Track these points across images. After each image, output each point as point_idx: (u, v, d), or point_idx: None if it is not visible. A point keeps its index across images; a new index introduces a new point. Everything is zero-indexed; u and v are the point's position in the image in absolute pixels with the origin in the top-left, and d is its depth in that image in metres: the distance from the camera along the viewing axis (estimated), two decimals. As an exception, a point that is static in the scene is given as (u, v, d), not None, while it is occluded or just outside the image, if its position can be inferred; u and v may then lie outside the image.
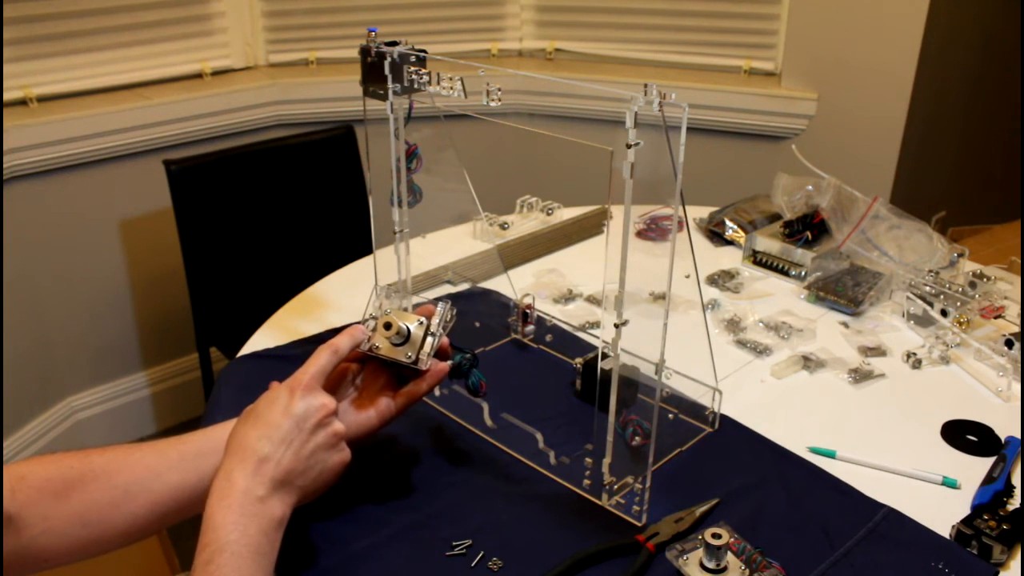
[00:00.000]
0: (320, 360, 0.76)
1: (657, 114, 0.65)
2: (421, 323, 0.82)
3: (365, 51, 0.88)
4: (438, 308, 0.84)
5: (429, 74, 0.85)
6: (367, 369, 0.85)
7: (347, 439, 0.77)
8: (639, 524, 0.81)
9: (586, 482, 0.86)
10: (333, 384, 0.81)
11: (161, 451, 0.76)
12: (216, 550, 0.64)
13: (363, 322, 0.82)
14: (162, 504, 0.74)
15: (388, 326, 0.79)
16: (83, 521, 0.72)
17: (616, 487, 0.83)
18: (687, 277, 0.95)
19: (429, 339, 0.82)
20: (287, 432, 0.70)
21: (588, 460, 0.85)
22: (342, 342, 0.78)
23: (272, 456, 0.69)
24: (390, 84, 0.87)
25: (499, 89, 0.78)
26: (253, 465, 0.68)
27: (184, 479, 0.75)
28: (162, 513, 0.74)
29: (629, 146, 0.67)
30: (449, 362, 0.85)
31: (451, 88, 0.82)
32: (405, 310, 0.85)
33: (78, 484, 0.72)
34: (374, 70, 0.88)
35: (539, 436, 0.90)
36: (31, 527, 0.69)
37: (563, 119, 2.37)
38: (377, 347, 0.81)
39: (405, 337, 0.81)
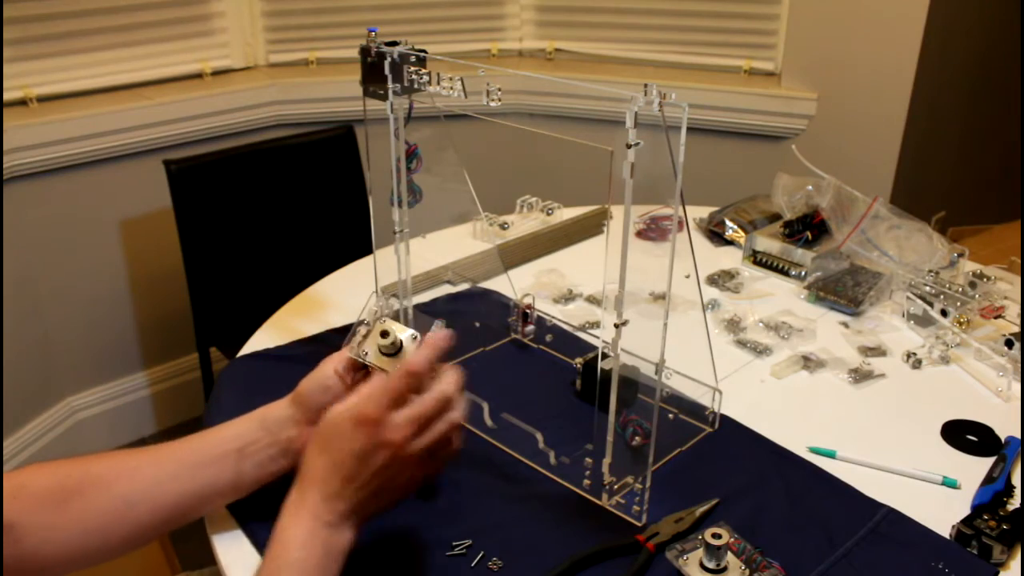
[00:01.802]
0: (396, 385, 0.69)
1: (657, 114, 0.65)
2: (415, 337, 0.79)
3: (365, 51, 0.88)
4: (432, 327, 0.82)
5: (429, 74, 0.85)
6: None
7: None
8: (639, 524, 0.81)
9: (586, 482, 0.86)
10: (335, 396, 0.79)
11: (159, 461, 0.76)
12: (283, 564, 0.65)
13: (358, 324, 0.82)
14: (162, 512, 0.74)
15: (385, 334, 0.77)
16: (84, 529, 0.72)
17: (616, 487, 0.83)
18: (687, 277, 0.95)
19: None
20: (352, 469, 0.68)
21: (588, 460, 0.85)
22: (418, 366, 0.71)
23: (341, 493, 0.68)
24: (390, 84, 0.88)
25: (499, 89, 0.78)
26: (323, 495, 0.68)
27: (183, 488, 0.75)
28: (162, 520, 0.74)
29: (629, 146, 0.67)
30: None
31: (451, 88, 0.82)
32: (398, 319, 0.83)
33: (78, 493, 0.72)
34: (374, 70, 0.88)
35: (539, 436, 0.90)
36: (31, 536, 0.69)
37: (563, 119, 2.37)
38: (365, 353, 0.79)
39: (398, 348, 0.79)
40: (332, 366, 0.79)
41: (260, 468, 0.78)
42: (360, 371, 0.81)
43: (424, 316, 0.84)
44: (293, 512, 0.67)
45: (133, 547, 0.74)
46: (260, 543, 0.79)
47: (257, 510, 0.82)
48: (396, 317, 0.85)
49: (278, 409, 0.80)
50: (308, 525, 0.67)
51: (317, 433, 0.70)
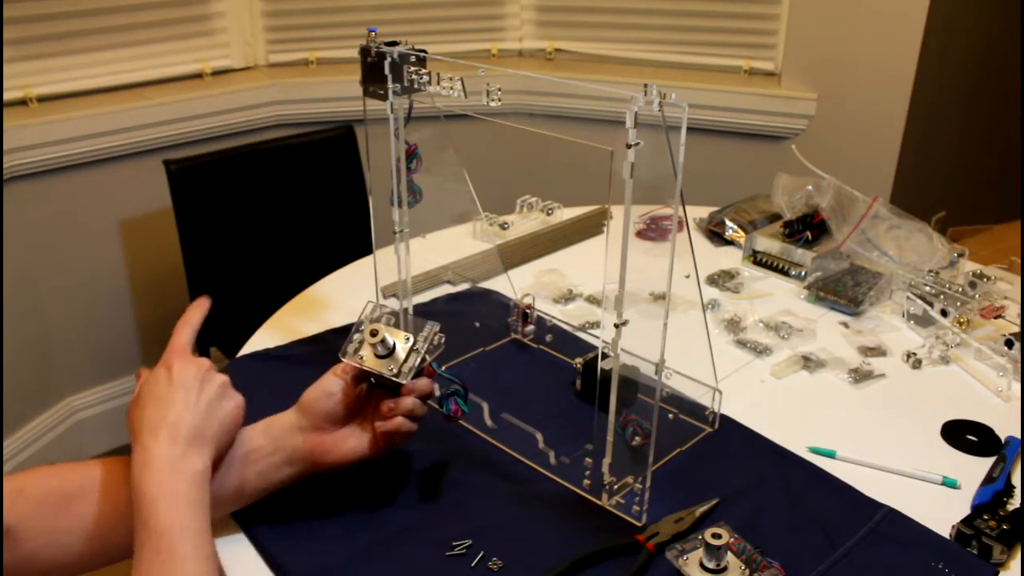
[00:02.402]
0: (182, 335, 0.79)
1: (657, 114, 0.65)
2: (408, 339, 0.81)
3: (365, 51, 0.88)
4: (425, 327, 0.83)
5: (429, 74, 0.85)
6: (374, 395, 0.84)
7: (343, 461, 0.80)
8: (639, 524, 0.81)
9: (586, 482, 0.86)
10: (347, 410, 0.81)
11: None
12: (151, 499, 0.66)
13: (354, 331, 0.82)
14: None
15: (374, 333, 0.79)
16: (86, 534, 0.72)
17: (616, 487, 0.83)
18: (687, 277, 0.95)
19: (412, 355, 0.81)
20: (180, 397, 0.73)
21: (588, 460, 0.85)
22: (194, 315, 0.82)
23: (177, 420, 0.71)
24: (390, 84, 0.87)
25: (499, 89, 0.78)
26: (164, 433, 0.70)
27: None
28: None
29: (629, 146, 0.67)
30: (431, 383, 0.83)
31: (451, 88, 0.82)
32: (396, 325, 0.84)
33: (79, 497, 0.72)
34: (374, 70, 0.88)
35: (539, 436, 0.90)
36: (32, 540, 0.69)
37: (563, 119, 2.37)
38: (361, 358, 0.80)
39: (390, 350, 0.80)
40: (334, 374, 0.81)
41: (263, 477, 0.79)
42: (364, 380, 0.82)
43: (420, 319, 0.84)
44: (143, 467, 0.68)
45: (127, 553, 0.73)
46: (261, 545, 0.79)
47: (257, 510, 0.82)
48: (396, 323, 0.85)
49: (283, 418, 0.80)
50: (162, 468, 0.68)
51: (134, 400, 0.74)
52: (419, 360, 0.80)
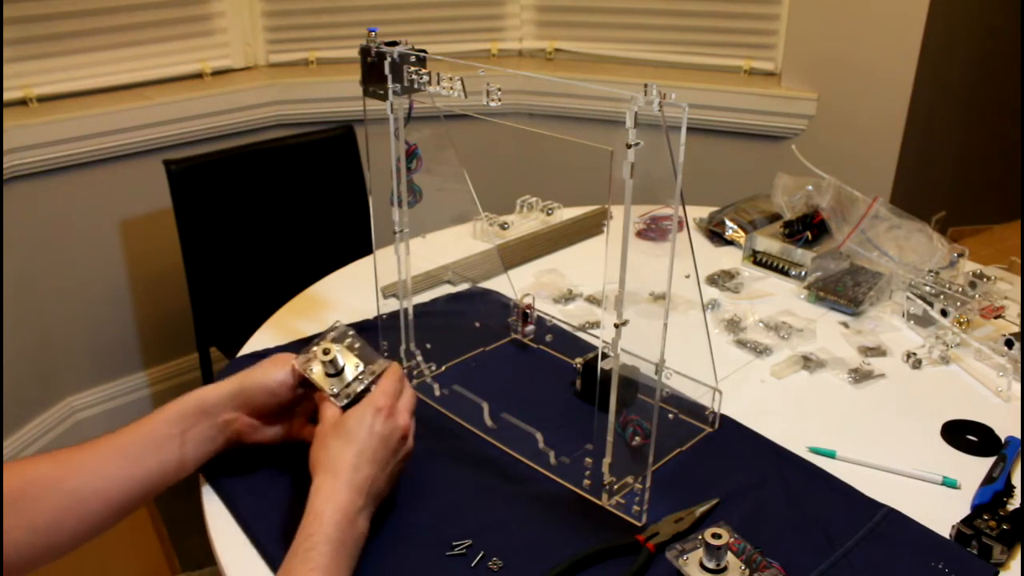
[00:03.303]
0: (396, 385, 0.83)
1: (657, 114, 0.65)
2: (359, 367, 0.85)
3: (365, 51, 0.88)
4: (377, 362, 0.86)
5: (429, 74, 0.85)
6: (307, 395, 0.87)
7: (263, 442, 0.86)
8: (639, 524, 0.81)
9: (586, 482, 0.86)
10: (281, 408, 0.87)
11: (103, 454, 0.77)
12: (322, 539, 0.69)
13: (315, 343, 0.86)
14: (111, 503, 0.76)
15: (327, 351, 0.83)
16: (32, 528, 0.72)
17: (616, 487, 0.83)
18: (687, 277, 0.95)
19: (356, 383, 0.83)
20: (376, 451, 0.77)
21: (588, 460, 0.85)
22: (402, 374, 0.86)
23: (370, 475, 0.76)
24: (390, 84, 0.87)
25: (499, 89, 0.78)
26: (353, 481, 0.74)
27: (131, 477, 0.77)
28: (115, 510, 0.77)
29: (629, 146, 0.67)
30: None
31: (451, 88, 0.82)
32: (359, 350, 0.87)
33: (28, 493, 0.73)
34: (374, 70, 0.88)
35: (539, 436, 0.90)
36: None
37: (563, 119, 2.37)
38: (311, 369, 0.84)
39: (339, 370, 0.84)
40: (280, 374, 0.84)
41: (199, 448, 0.82)
42: (306, 386, 0.86)
43: (381, 357, 0.86)
44: (328, 497, 0.72)
45: (83, 541, 0.76)
46: (260, 543, 0.79)
47: (258, 510, 0.82)
48: (360, 349, 0.88)
49: (216, 393, 0.83)
50: (344, 507, 0.72)
51: (339, 427, 0.78)
52: (361, 389, 0.83)
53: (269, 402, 0.84)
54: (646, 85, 0.65)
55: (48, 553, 0.73)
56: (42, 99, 1.97)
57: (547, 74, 2.31)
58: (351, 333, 0.88)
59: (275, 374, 0.84)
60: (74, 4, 1.95)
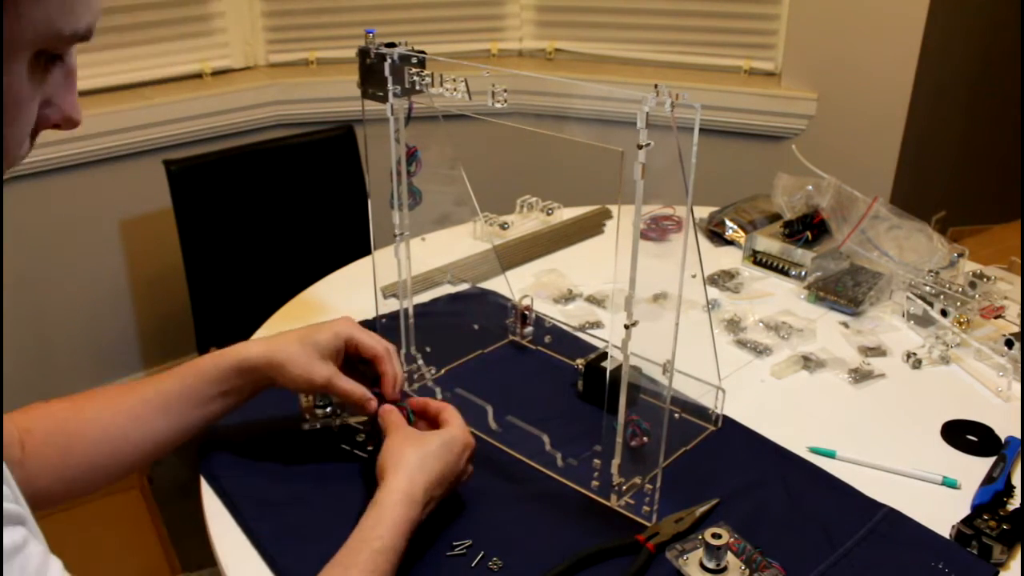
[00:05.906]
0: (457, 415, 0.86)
1: (666, 114, 0.65)
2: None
3: (364, 53, 0.87)
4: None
5: (431, 75, 0.84)
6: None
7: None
8: (649, 524, 0.81)
9: (594, 483, 0.86)
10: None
11: (145, 398, 0.82)
12: (391, 547, 0.71)
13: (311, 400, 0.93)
14: (148, 448, 0.82)
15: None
16: (80, 469, 0.79)
17: (624, 488, 0.83)
18: (693, 277, 0.95)
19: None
20: (447, 479, 0.79)
21: (596, 461, 0.85)
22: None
23: (442, 483, 0.79)
24: (390, 86, 0.87)
25: (505, 90, 0.77)
26: (423, 497, 0.76)
27: (169, 424, 0.82)
28: (147, 454, 0.83)
29: (640, 147, 0.67)
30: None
31: (455, 90, 0.81)
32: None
33: (78, 437, 0.79)
34: (373, 72, 0.88)
35: (545, 438, 0.90)
36: (37, 477, 0.74)
37: (563, 119, 2.37)
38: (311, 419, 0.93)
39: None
40: (318, 374, 0.85)
41: (240, 396, 0.86)
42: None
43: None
44: (400, 500, 0.74)
45: (113, 482, 0.82)
46: (260, 543, 0.79)
47: (258, 510, 0.82)
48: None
49: (256, 357, 0.85)
50: (414, 517, 0.74)
51: (443, 447, 0.80)
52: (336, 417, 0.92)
53: (295, 386, 0.86)
54: (656, 86, 0.65)
55: (82, 489, 0.80)
56: (42, 99, 1.97)
57: (547, 74, 2.31)
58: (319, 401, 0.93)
59: (313, 370, 0.85)
60: (74, 4, 1.95)
